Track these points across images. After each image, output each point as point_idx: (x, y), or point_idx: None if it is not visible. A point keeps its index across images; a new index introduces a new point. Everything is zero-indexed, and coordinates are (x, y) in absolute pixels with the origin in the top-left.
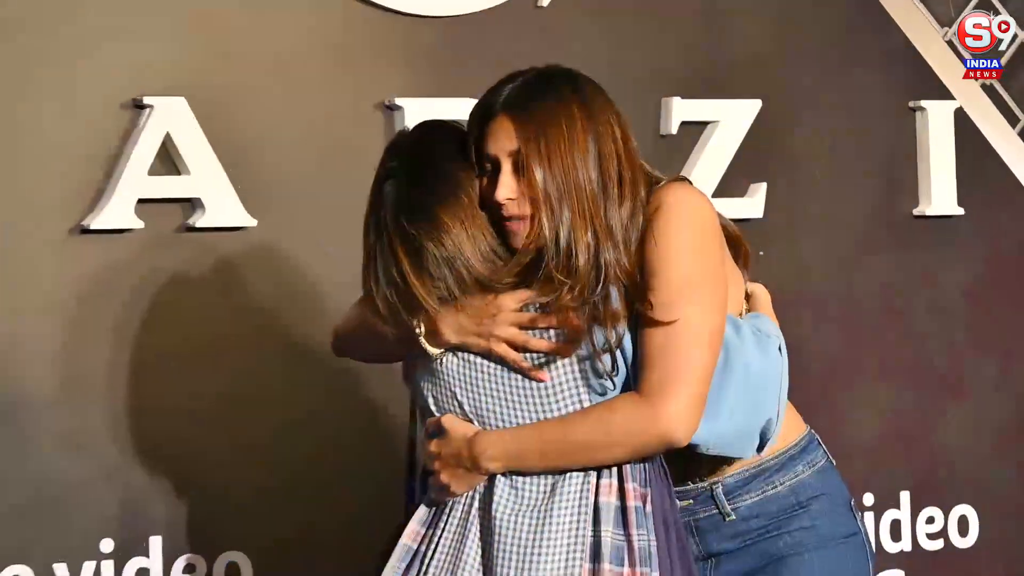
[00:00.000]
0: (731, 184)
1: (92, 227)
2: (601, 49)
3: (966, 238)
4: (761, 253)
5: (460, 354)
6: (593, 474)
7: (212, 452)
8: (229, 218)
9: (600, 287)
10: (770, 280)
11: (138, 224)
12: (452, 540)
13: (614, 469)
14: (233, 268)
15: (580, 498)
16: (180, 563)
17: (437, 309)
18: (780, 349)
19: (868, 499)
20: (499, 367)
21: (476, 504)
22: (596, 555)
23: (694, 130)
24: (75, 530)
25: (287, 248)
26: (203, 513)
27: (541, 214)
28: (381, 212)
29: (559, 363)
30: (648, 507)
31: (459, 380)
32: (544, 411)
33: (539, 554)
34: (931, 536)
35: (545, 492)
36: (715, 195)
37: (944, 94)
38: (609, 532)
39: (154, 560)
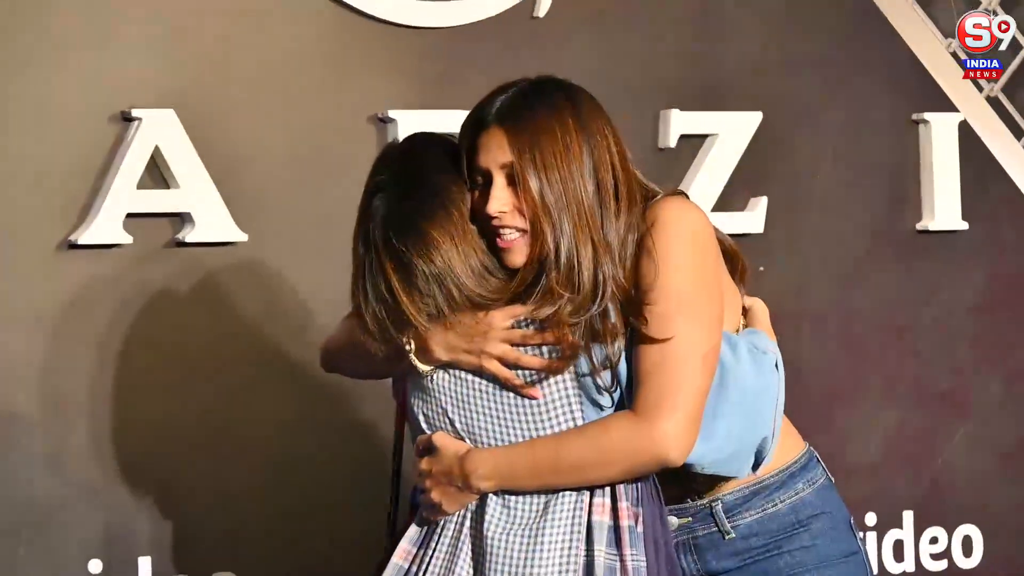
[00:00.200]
0: (731, 198)
1: (80, 242)
2: (598, 61)
3: (971, 253)
4: (762, 268)
5: (451, 371)
6: (586, 493)
7: (202, 470)
8: (219, 233)
9: (599, 301)
10: (771, 295)
11: (127, 239)
12: (444, 559)
13: (607, 488)
14: (223, 283)
15: (573, 517)
16: None
17: (427, 326)
18: (776, 366)
19: (871, 519)
20: (491, 384)
21: (468, 523)
22: (589, 575)
23: (693, 143)
24: (63, 551)
25: (278, 263)
26: (192, 533)
27: (543, 226)
28: (370, 227)
29: (552, 380)
30: (640, 527)
31: (450, 397)
32: (537, 429)
33: (531, 574)
34: (935, 556)
35: (537, 511)
36: (715, 209)
37: (948, 106)
38: (603, 552)
39: None
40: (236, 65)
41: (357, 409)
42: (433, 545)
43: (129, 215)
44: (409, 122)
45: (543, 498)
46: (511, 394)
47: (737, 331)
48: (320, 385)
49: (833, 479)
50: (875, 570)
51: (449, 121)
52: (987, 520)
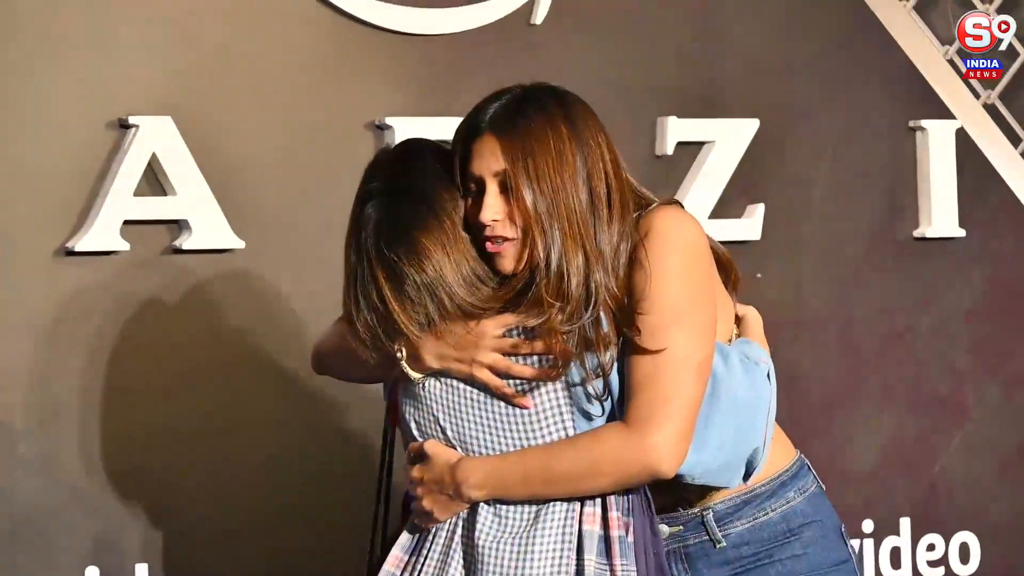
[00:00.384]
0: (728, 205)
1: (77, 249)
2: (595, 68)
3: (968, 260)
4: (759, 275)
5: (443, 379)
6: (577, 502)
7: (199, 476)
8: (216, 240)
9: (591, 310)
10: (768, 302)
11: (123, 246)
12: (435, 567)
13: (598, 497)
14: (220, 290)
15: (564, 526)
16: None
17: (418, 335)
18: (768, 376)
19: (868, 526)
20: (482, 393)
21: (460, 531)
22: None
23: (690, 150)
24: (60, 558)
25: (275, 270)
26: (189, 540)
27: (534, 235)
28: (362, 235)
29: (543, 390)
30: (630, 537)
31: (442, 405)
32: (528, 438)
33: None
34: (932, 564)
35: (528, 519)
36: (712, 216)
37: (945, 113)
38: (592, 561)
39: None
40: (233, 72)
41: (354, 416)
42: (425, 552)
43: (126, 222)
44: (406, 129)
45: (534, 507)
46: (502, 403)
47: (730, 341)
48: (317, 391)
49: (824, 487)
50: None
51: (446, 128)
52: (984, 527)
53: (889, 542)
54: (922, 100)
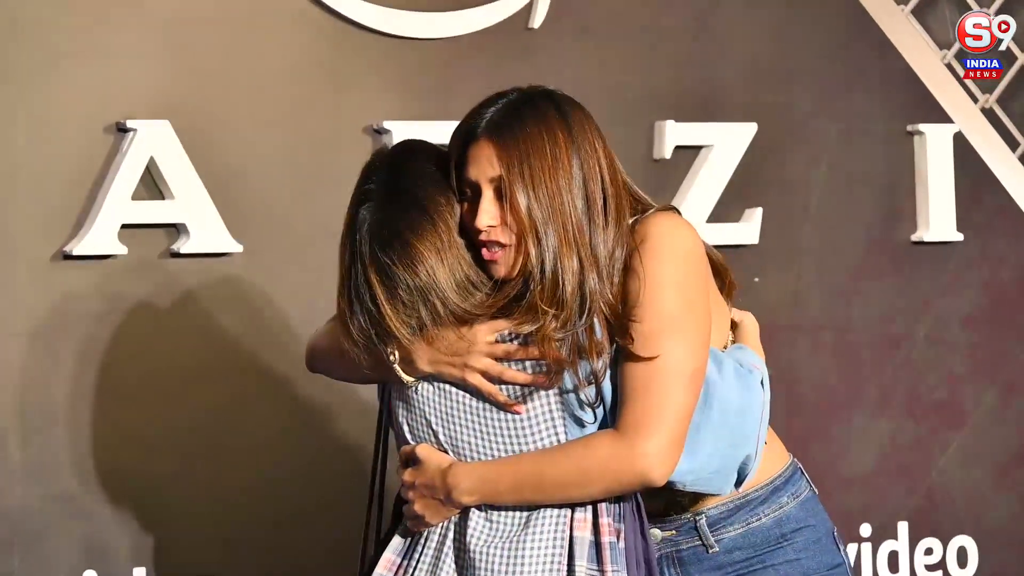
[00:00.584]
0: (726, 209)
1: (75, 253)
2: (593, 72)
3: (965, 264)
4: (756, 279)
5: (436, 383)
6: (568, 508)
7: (198, 480)
8: (214, 244)
9: (585, 317)
10: (765, 306)
11: (121, 250)
12: (427, 571)
13: (589, 504)
14: (218, 294)
15: (555, 532)
16: None
17: (410, 339)
18: (763, 383)
19: (865, 530)
20: (474, 398)
21: (451, 534)
22: None
23: (688, 154)
24: (58, 563)
25: (273, 274)
26: (187, 543)
27: (528, 242)
28: (356, 237)
29: (536, 396)
30: (622, 543)
31: (434, 410)
32: (520, 444)
33: None
34: (930, 568)
35: (519, 524)
36: (709, 220)
37: (943, 117)
38: (584, 567)
39: None
40: (231, 76)
41: (348, 419)
42: (417, 556)
43: (124, 226)
44: (404, 133)
45: (525, 512)
46: (494, 409)
47: (725, 347)
48: (313, 395)
49: (817, 491)
50: None
51: (444, 132)
52: (982, 531)
53: (887, 546)
54: (920, 104)
